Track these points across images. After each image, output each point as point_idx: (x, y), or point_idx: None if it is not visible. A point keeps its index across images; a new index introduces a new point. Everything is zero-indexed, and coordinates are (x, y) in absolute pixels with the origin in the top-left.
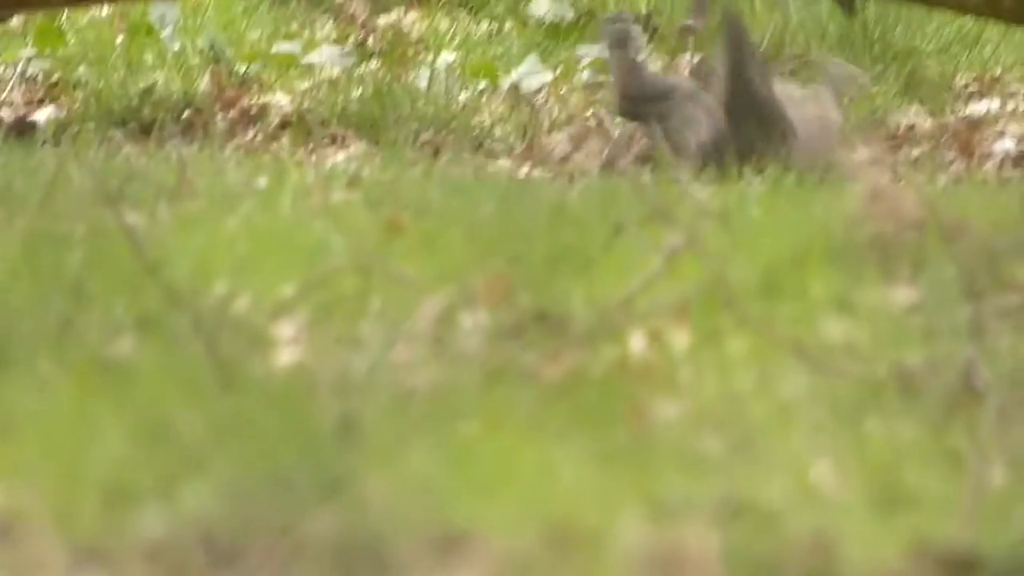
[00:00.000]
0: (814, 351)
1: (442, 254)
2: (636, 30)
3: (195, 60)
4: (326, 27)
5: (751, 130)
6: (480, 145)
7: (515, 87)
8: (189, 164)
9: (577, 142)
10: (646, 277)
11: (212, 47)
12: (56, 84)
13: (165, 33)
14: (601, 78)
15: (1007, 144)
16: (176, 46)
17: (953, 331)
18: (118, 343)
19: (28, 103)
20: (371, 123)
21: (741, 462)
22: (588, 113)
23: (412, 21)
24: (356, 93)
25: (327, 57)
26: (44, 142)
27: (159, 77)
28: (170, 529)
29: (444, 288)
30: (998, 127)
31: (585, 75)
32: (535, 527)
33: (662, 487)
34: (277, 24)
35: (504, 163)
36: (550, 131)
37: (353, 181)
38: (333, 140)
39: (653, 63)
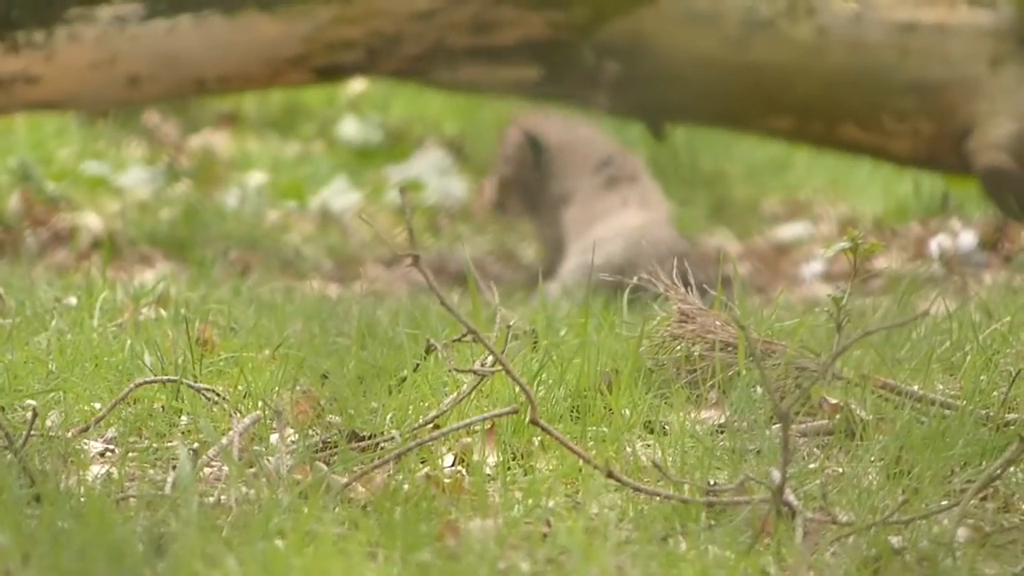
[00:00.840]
0: (622, 471)
1: (251, 372)
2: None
3: (4, 179)
4: (136, 146)
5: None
6: (289, 264)
7: (324, 207)
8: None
9: (388, 263)
10: (456, 397)
11: (21, 166)
12: None
13: None
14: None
15: (815, 267)
16: None
17: (761, 452)
18: None
19: None
20: (181, 243)
21: None
22: (397, 232)
23: (222, 141)
24: (166, 213)
25: (137, 178)
26: None
27: None
28: None
29: (253, 406)
30: (806, 250)
31: (393, 195)
32: None
33: None
34: (86, 143)
35: (314, 282)
36: (360, 251)
37: (162, 299)
38: (143, 259)
39: (460, 184)
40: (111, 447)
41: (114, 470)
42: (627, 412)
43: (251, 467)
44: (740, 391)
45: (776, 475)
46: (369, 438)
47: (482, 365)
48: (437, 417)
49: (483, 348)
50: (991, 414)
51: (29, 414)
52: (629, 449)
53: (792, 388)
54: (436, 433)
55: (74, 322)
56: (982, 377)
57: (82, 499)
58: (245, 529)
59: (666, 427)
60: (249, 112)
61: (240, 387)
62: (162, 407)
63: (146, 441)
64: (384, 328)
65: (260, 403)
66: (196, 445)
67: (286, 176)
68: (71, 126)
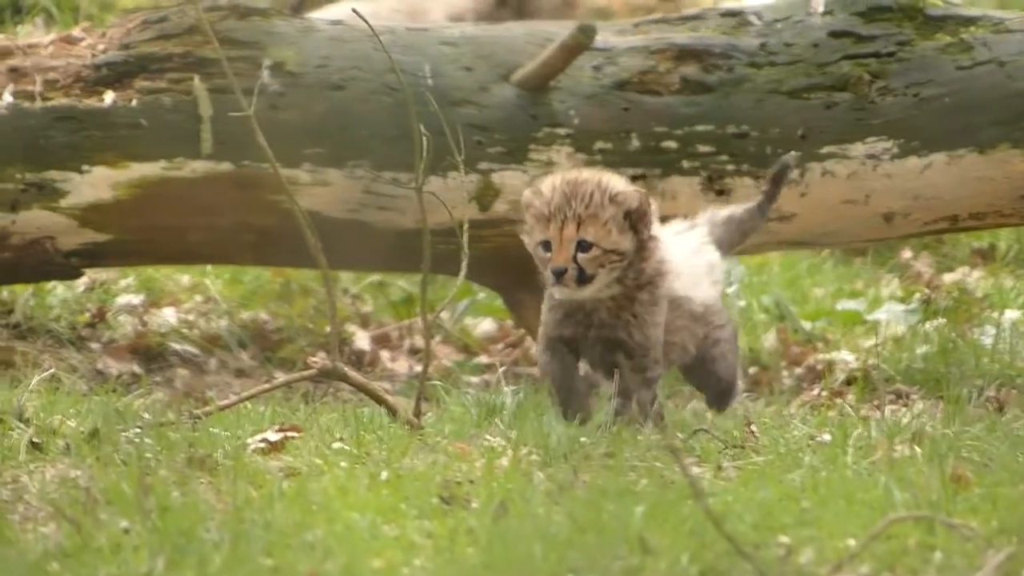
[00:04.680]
0: None
1: (1005, 508)
2: None
3: (761, 317)
4: (891, 285)
5: None
6: None
7: None
8: (754, 419)
9: None
10: None
11: (777, 305)
12: None
13: (731, 290)
14: None
15: None
16: (742, 303)
17: None
18: None
19: None
20: (935, 379)
21: None
22: None
23: (976, 279)
24: (920, 350)
25: (891, 314)
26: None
27: None
28: None
29: (1008, 542)
30: None
31: None
32: None
33: None
34: (841, 282)
35: None
36: None
37: (916, 436)
38: (897, 396)
39: None
40: None
41: None
42: None
43: None
44: None
45: None
46: None
47: None
48: None
49: None
50: None
51: (782, 551)
52: None
53: None
54: None
55: (828, 459)
56: None
57: None
58: None
59: None
60: (1004, 249)
61: (994, 523)
62: (915, 544)
63: None
64: None
65: (1014, 539)
66: None
67: None
68: (825, 264)
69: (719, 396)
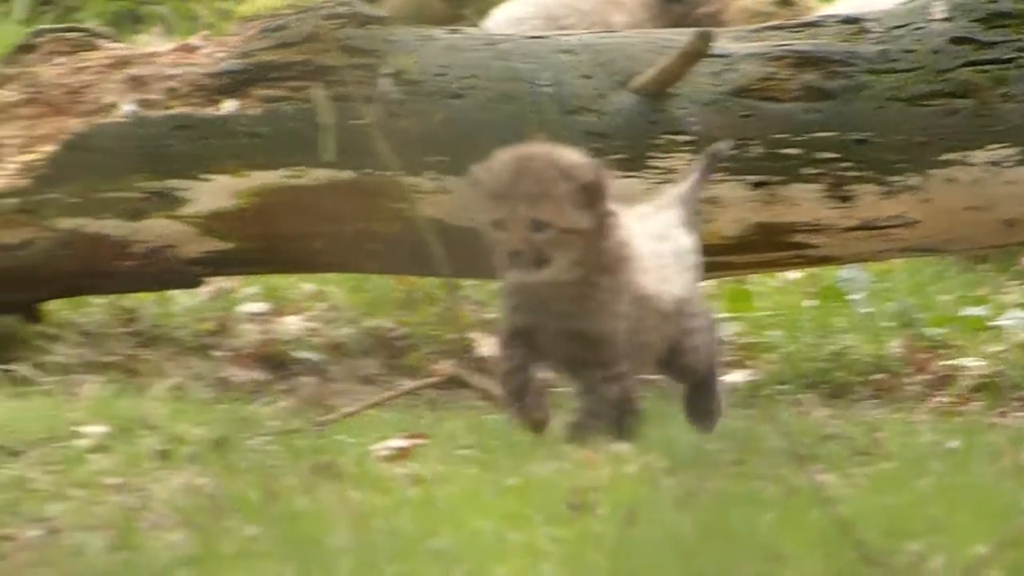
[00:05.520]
0: None
1: None
2: None
3: (885, 323)
4: (1014, 291)
5: None
6: None
7: None
8: (881, 426)
9: None
10: None
11: (902, 311)
12: (748, 347)
13: (855, 297)
14: None
15: None
16: (867, 310)
17: None
18: None
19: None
20: None
21: None
22: None
23: None
24: None
25: (1016, 320)
26: (736, 404)
27: (849, 340)
28: None
29: None
30: None
31: None
32: None
33: None
34: (965, 288)
35: None
36: None
37: None
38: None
39: None
40: None
41: None
42: None
43: None
44: None
45: None
46: None
47: None
48: None
49: None
50: None
51: (911, 558)
52: None
53: None
54: None
55: (955, 465)
56: None
57: None
58: None
59: None
60: None
61: None
62: None
63: None
64: None
65: None
66: None
67: None
68: (949, 270)
69: (695, 391)
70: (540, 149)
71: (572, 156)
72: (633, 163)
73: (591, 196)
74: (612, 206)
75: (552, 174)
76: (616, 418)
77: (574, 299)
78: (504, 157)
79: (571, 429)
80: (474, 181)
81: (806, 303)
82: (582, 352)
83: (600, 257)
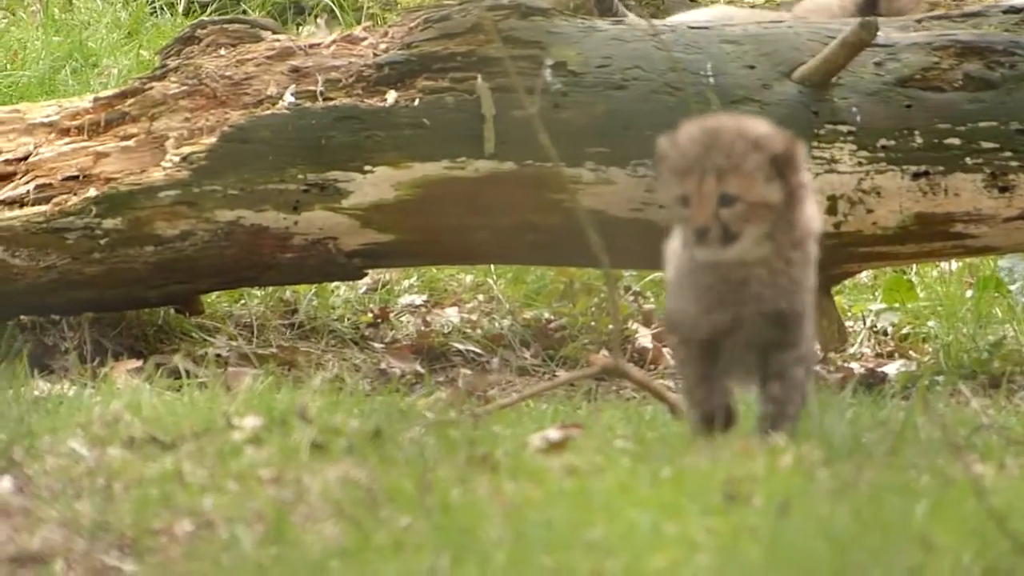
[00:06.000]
0: None
1: None
2: None
3: None
4: None
5: None
6: None
7: None
8: None
9: None
10: None
11: None
12: (906, 337)
13: (1015, 287)
14: None
15: None
16: None
17: None
18: None
19: (878, 356)
20: None
21: None
22: None
23: None
24: None
25: None
26: (892, 394)
27: (1008, 330)
28: None
29: None
30: None
31: None
32: None
33: None
34: None
35: None
36: None
37: None
38: None
39: None
40: None
41: None
42: None
43: None
44: None
45: None
46: None
47: None
48: None
49: None
50: None
51: None
52: None
53: None
54: None
55: None
56: None
57: None
58: None
59: None
60: None
61: None
62: None
63: None
64: None
65: None
66: None
67: None
68: None
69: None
70: (728, 120)
71: (761, 127)
72: None
73: (782, 167)
74: (803, 178)
75: (741, 146)
76: (799, 404)
77: (766, 277)
78: (690, 129)
79: (768, 422)
80: (660, 156)
81: (966, 293)
82: (774, 334)
83: (792, 231)
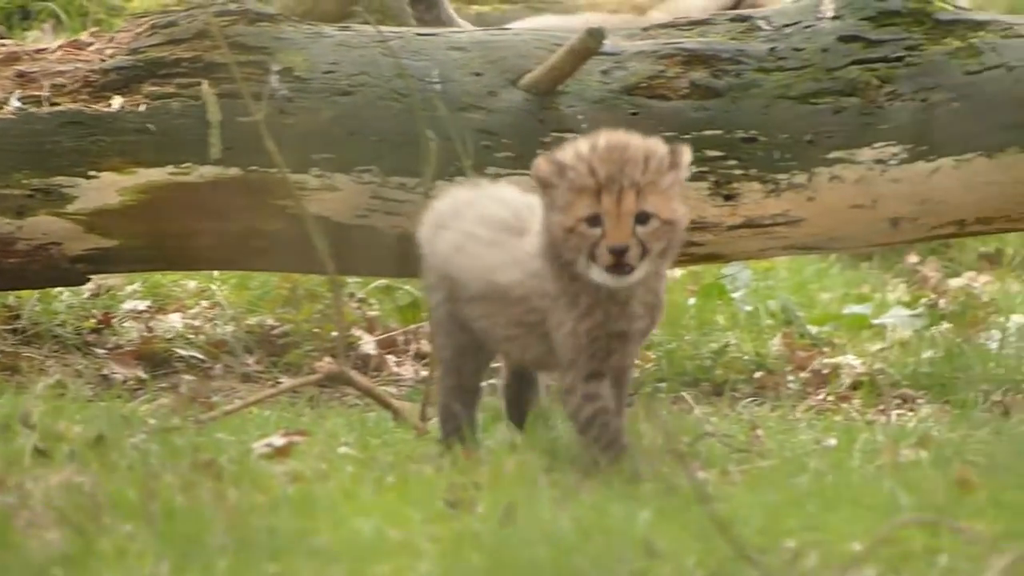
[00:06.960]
0: None
1: (1011, 512)
2: None
3: (767, 321)
4: (897, 290)
5: None
6: None
7: None
8: (760, 423)
9: None
10: None
11: (784, 309)
12: None
13: (737, 295)
14: None
15: None
16: (748, 308)
17: None
18: None
19: None
20: (941, 384)
21: None
22: None
23: (983, 284)
24: (926, 355)
25: (898, 319)
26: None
27: (731, 338)
28: None
29: (1013, 545)
30: None
31: None
32: None
33: None
34: (848, 286)
35: None
36: None
37: (922, 440)
38: (903, 400)
39: None
40: None
41: None
42: None
43: None
44: None
45: None
46: None
47: None
48: None
49: None
50: None
51: (787, 555)
52: None
53: None
54: None
55: (833, 463)
56: None
57: None
58: None
59: None
60: (1010, 253)
61: (999, 526)
62: (921, 547)
63: None
64: None
65: (1019, 542)
66: None
67: None
68: (832, 268)
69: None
70: (627, 137)
71: (660, 144)
72: (521, 161)
73: (683, 186)
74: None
75: (656, 163)
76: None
77: (648, 295)
78: (590, 146)
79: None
80: (551, 175)
81: (688, 300)
82: (631, 351)
83: (676, 249)
